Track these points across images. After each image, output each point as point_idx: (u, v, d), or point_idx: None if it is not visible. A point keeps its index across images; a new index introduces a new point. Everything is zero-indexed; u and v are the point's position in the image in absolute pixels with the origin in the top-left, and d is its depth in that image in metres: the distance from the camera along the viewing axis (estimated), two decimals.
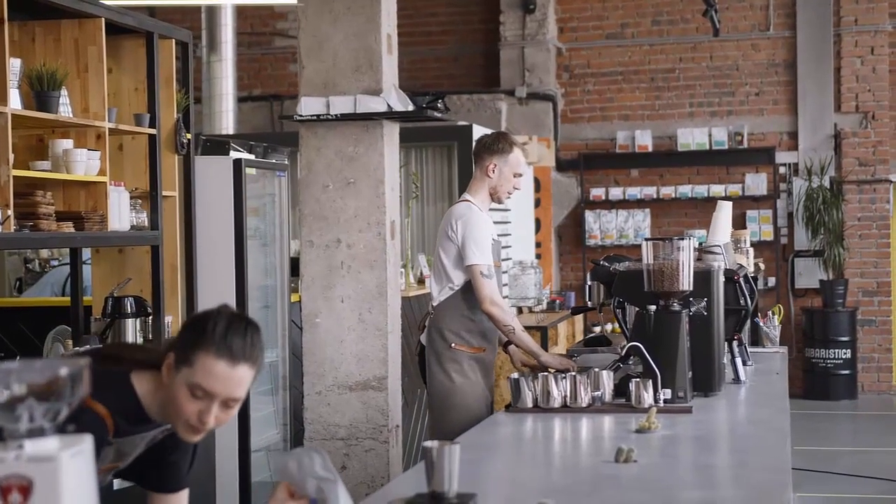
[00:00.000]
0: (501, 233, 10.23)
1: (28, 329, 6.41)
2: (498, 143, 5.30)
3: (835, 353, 12.02)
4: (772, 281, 12.37)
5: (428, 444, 2.65)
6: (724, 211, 5.56)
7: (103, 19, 5.20)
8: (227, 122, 10.07)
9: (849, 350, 12.04)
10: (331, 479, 2.45)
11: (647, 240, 4.42)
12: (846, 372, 12.06)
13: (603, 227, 12.74)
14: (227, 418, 2.57)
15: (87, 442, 1.79)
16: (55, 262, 8.45)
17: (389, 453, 5.62)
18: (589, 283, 5.18)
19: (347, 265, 6.16)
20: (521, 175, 5.32)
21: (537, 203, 12.23)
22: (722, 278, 4.65)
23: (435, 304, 5.27)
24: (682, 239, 4.38)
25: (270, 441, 6.71)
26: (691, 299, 4.40)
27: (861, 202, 12.38)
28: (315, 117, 6.06)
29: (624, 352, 4.32)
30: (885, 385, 12.40)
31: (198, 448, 2.86)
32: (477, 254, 5.08)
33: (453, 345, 5.17)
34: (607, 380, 4.28)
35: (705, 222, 11.92)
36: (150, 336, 5.61)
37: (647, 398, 4.12)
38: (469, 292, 5.14)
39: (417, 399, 7.31)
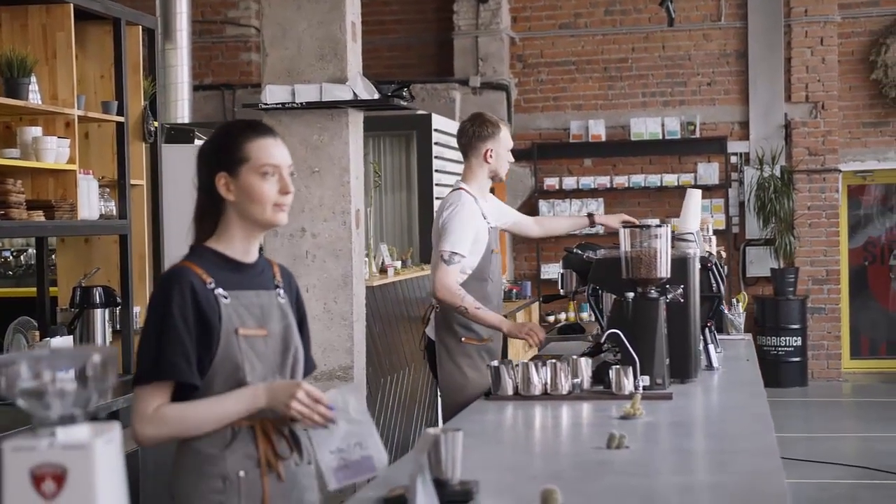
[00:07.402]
0: None
1: None
2: (487, 128, 5.35)
3: (786, 340, 12.17)
4: (724, 269, 12.47)
5: (432, 430, 2.66)
6: (694, 198, 5.59)
7: (72, 5, 5.12)
8: (182, 111, 9.94)
9: (799, 338, 12.19)
10: (364, 421, 2.46)
11: (624, 226, 4.43)
12: (797, 359, 12.22)
13: (557, 216, 12.77)
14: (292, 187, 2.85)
15: (116, 430, 1.78)
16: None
17: None
18: (561, 270, 5.17)
19: (312, 254, 6.13)
20: (511, 147, 5.49)
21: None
22: (698, 265, 4.68)
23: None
24: (660, 226, 4.40)
25: None
26: (668, 286, 4.43)
27: (811, 191, 12.52)
28: (280, 105, 6.01)
29: (604, 339, 4.33)
30: (835, 372, 12.56)
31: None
32: (448, 240, 5.05)
33: (463, 339, 5.13)
34: (586, 367, 4.29)
35: (659, 212, 12.09)
36: (119, 327, 5.54)
37: (629, 385, 4.14)
38: (473, 284, 5.09)
39: (380, 389, 7.29)
